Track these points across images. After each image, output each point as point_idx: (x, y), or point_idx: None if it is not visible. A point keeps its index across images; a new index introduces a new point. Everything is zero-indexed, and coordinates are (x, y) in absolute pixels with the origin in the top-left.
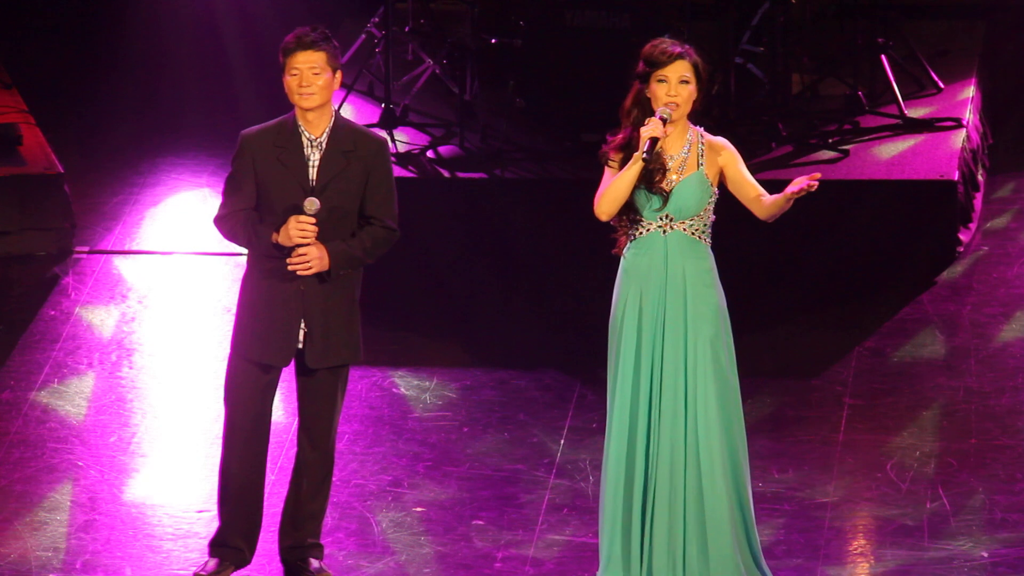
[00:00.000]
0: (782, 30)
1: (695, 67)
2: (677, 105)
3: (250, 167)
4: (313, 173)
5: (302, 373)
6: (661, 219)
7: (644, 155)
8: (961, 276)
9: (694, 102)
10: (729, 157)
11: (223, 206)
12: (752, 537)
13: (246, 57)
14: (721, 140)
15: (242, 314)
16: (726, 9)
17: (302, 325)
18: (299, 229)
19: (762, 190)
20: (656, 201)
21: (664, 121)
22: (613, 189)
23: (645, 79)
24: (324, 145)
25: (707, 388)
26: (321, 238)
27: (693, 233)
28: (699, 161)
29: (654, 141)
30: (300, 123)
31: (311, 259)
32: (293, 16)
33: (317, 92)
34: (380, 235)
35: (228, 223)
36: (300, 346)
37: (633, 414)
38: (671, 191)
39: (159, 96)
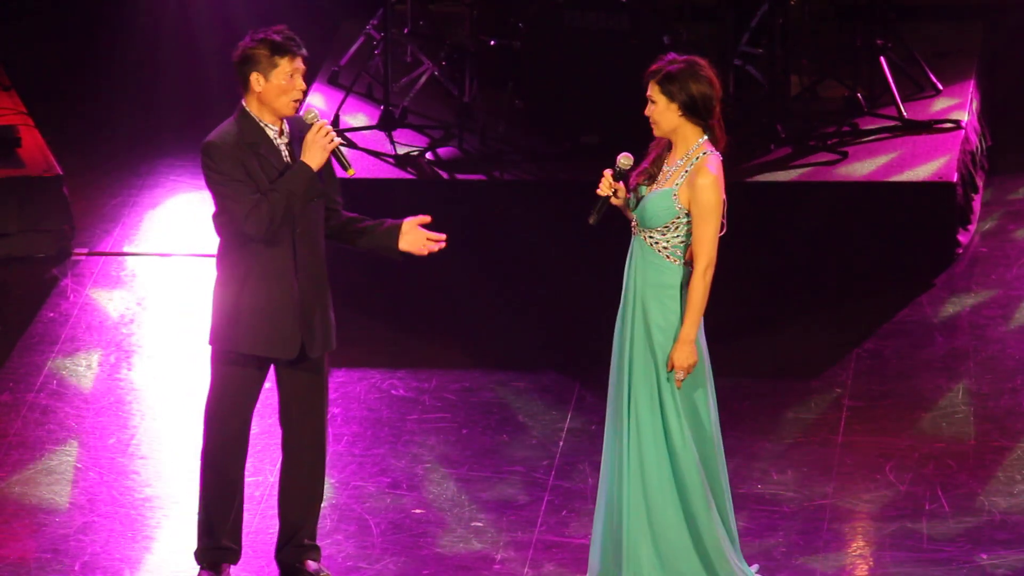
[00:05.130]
0: (781, 32)
1: (660, 85)
2: (631, 157)
3: (240, 164)
4: (289, 160)
5: (289, 367)
6: (635, 222)
7: (593, 216)
8: (960, 278)
9: (683, 117)
10: (695, 199)
11: (244, 204)
12: (718, 534)
13: None
14: (704, 173)
15: (238, 312)
16: (725, 11)
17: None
18: (323, 134)
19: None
20: (632, 202)
21: (617, 174)
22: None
23: None
24: (287, 135)
25: (637, 395)
26: (304, 218)
27: (653, 245)
28: (678, 180)
29: (604, 200)
30: (259, 118)
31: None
32: (292, 17)
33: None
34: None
35: (261, 209)
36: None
37: (611, 413)
38: (641, 198)
39: (158, 98)
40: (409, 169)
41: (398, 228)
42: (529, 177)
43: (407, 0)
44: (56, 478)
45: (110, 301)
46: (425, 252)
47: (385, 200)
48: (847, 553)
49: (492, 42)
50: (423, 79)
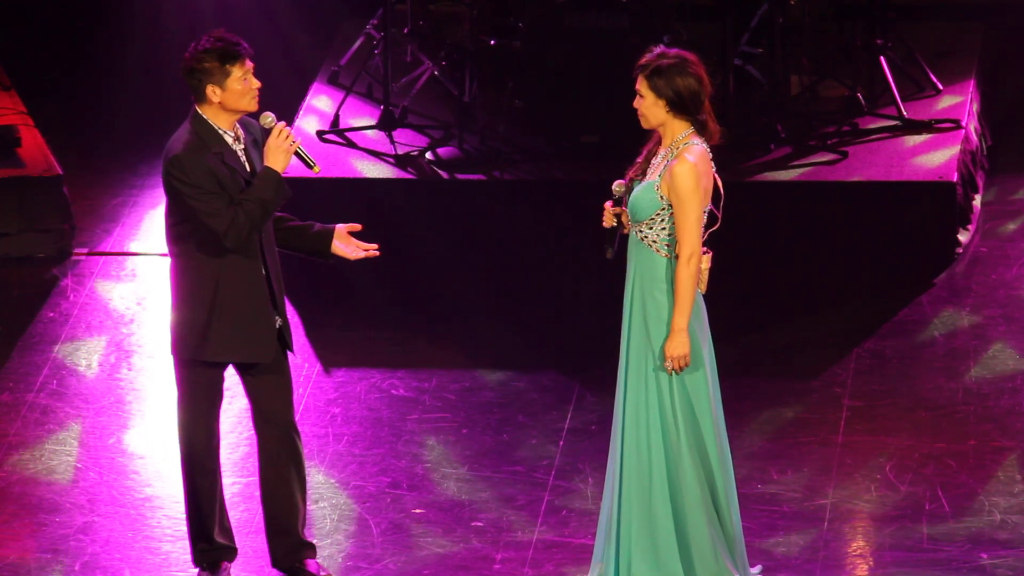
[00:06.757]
0: (781, 31)
1: (648, 80)
2: (623, 182)
3: (211, 175)
4: (246, 165)
5: (256, 369)
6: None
7: (608, 250)
8: (960, 278)
9: (670, 113)
10: (672, 186)
11: (222, 219)
12: (708, 533)
13: None
14: (680, 160)
15: (210, 321)
16: (725, 10)
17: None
18: (284, 137)
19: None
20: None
21: (616, 202)
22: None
23: None
24: (241, 138)
25: (636, 390)
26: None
27: (643, 239)
28: (660, 171)
29: (612, 231)
30: (214, 124)
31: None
32: (292, 18)
33: None
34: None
35: (239, 221)
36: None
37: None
38: (632, 191)
39: (158, 98)
40: (409, 169)
41: (330, 233)
42: (529, 177)
43: (407, 0)
44: (56, 478)
45: (110, 301)
46: (359, 256)
47: (385, 199)
48: (847, 553)
49: (492, 42)
50: (423, 79)
